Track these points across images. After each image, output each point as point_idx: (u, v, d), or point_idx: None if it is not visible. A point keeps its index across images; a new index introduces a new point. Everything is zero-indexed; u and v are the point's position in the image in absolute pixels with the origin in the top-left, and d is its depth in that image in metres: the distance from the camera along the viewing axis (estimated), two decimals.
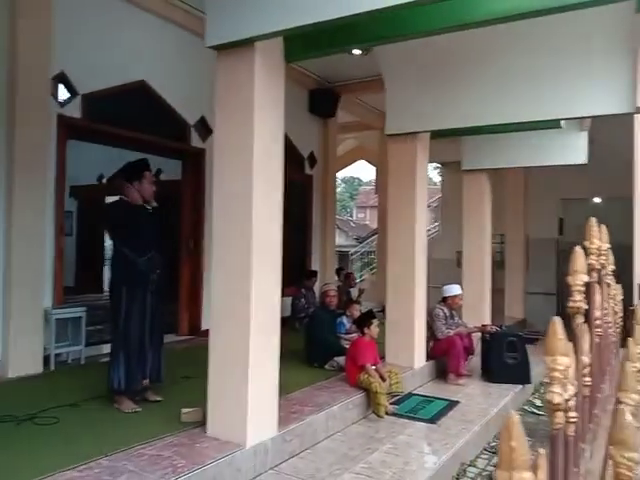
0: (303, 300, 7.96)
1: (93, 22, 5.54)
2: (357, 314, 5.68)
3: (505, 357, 5.81)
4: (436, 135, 5.74)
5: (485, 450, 4.40)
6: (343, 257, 16.65)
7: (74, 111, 5.40)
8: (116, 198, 4.09)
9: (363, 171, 57.65)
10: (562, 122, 5.78)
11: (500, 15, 3.12)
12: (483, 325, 6.37)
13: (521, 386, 5.69)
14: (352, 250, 17.91)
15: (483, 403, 5.13)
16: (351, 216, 41.70)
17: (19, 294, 4.79)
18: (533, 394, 5.95)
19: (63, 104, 5.29)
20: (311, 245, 9.43)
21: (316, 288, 8.50)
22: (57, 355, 5.20)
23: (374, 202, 37.66)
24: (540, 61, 4.74)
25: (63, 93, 5.29)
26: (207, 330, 6.77)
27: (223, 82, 3.41)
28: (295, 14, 2.84)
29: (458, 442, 4.04)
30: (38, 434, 3.38)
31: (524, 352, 5.81)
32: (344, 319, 6.02)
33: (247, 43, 3.14)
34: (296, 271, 8.13)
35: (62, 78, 5.26)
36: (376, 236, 16.97)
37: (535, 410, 5.40)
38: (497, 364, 5.83)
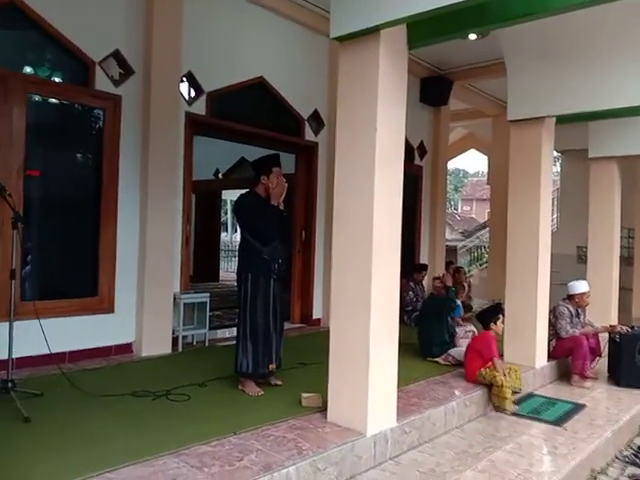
0: (411, 293, 7.86)
1: (217, 23, 5.85)
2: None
3: (637, 360, 5.37)
4: (561, 120, 5.37)
5: (617, 458, 4.11)
6: (450, 251, 16.19)
7: (200, 108, 5.74)
8: (247, 190, 4.26)
9: (468, 162, 55.69)
10: None
11: None
12: (611, 325, 5.90)
13: None
14: (459, 244, 17.37)
15: (613, 408, 4.77)
16: (456, 209, 40.54)
17: (152, 279, 5.18)
18: None
19: (190, 102, 5.65)
20: (420, 238, 9.29)
21: (426, 282, 8.37)
22: (184, 337, 5.57)
23: (481, 194, 36.38)
24: None
25: (191, 92, 5.64)
26: (318, 319, 7.14)
27: (346, 73, 3.42)
28: None
29: (587, 447, 3.79)
30: (173, 409, 3.63)
31: None
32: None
33: (373, 32, 3.13)
34: (404, 264, 8.01)
35: (190, 78, 5.62)
36: (485, 230, 16.36)
37: None
38: (627, 367, 5.40)
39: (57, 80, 4.84)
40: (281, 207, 4.13)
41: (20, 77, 4.53)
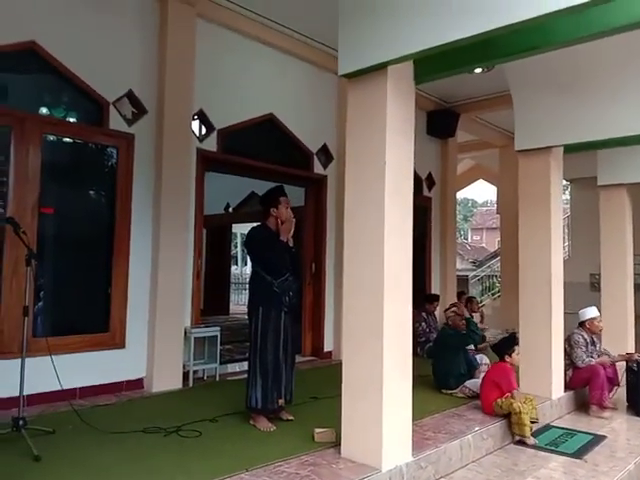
0: (424, 324, 7.79)
1: (228, 62, 6.02)
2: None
3: None
4: (570, 149, 5.40)
5: None
6: (461, 281, 16.09)
7: (211, 145, 5.85)
8: (258, 224, 4.30)
9: (477, 192, 55.83)
10: None
11: None
12: (628, 353, 5.80)
13: None
14: (471, 274, 17.26)
15: (634, 439, 4.64)
16: (466, 239, 40.45)
17: (164, 314, 5.20)
18: None
19: (202, 139, 5.76)
20: (431, 268, 9.26)
21: (438, 312, 8.30)
22: (194, 372, 5.53)
23: (490, 224, 36.37)
24: None
25: (202, 129, 5.77)
26: (330, 351, 7.08)
27: (354, 109, 3.49)
28: (429, 35, 2.86)
29: None
30: (184, 445, 3.59)
31: None
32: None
33: (380, 68, 3.20)
34: (416, 295, 7.97)
35: (201, 115, 5.75)
36: (496, 259, 16.27)
37: None
38: None
39: (72, 120, 4.98)
40: (290, 243, 4.15)
41: (36, 118, 4.67)
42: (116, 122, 5.09)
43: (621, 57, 4.71)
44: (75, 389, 4.67)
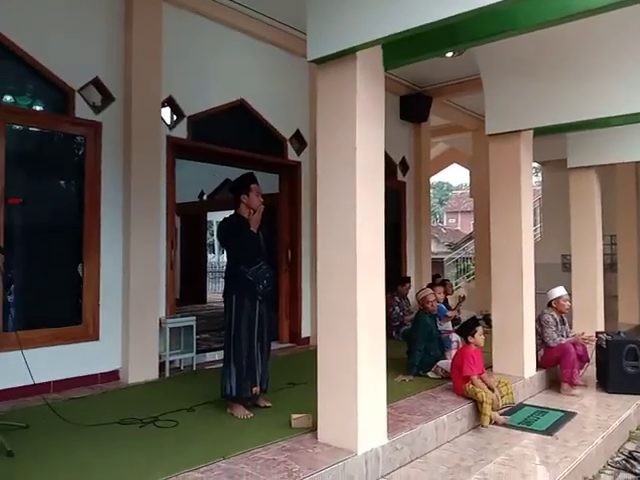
0: (397, 308, 7.83)
1: (196, 48, 5.91)
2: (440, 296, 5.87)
3: (625, 365, 5.41)
4: (539, 133, 5.47)
5: (609, 465, 4.11)
6: (437, 264, 16.29)
7: (181, 132, 5.77)
8: (229, 213, 4.26)
9: (452, 176, 56.28)
10: None
11: (606, 3, 2.92)
12: (574, 335, 5.80)
13: None
14: (446, 257, 17.48)
15: (602, 415, 4.79)
16: (441, 222, 40.84)
17: (137, 305, 5.15)
18: None
19: (172, 126, 5.68)
20: (406, 252, 9.34)
21: (411, 295, 8.39)
22: (171, 362, 5.51)
23: (466, 207, 36.74)
24: None
25: (171, 116, 5.67)
26: (307, 337, 7.12)
27: (324, 95, 3.47)
28: (396, 20, 2.85)
29: (579, 455, 3.79)
30: (160, 436, 3.58)
31: None
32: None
33: (349, 53, 3.18)
34: (390, 279, 8.03)
35: (171, 102, 5.65)
36: (471, 242, 16.49)
37: None
38: (615, 373, 5.43)
39: (37, 109, 4.85)
40: (259, 234, 4.13)
41: (0, 108, 4.53)
42: (83, 110, 4.97)
43: (587, 41, 4.76)
44: (49, 383, 4.60)
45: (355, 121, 3.26)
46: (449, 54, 6.88)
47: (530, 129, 5.37)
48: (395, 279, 8.32)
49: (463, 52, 6.62)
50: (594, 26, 4.47)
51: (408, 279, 8.52)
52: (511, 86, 5.22)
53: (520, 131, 5.30)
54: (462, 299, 7.84)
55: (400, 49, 3.43)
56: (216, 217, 16.27)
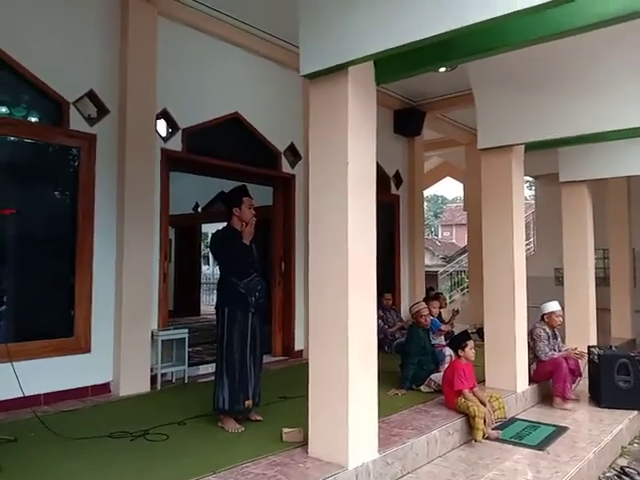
0: (380, 321, 7.65)
1: (191, 61, 5.96)
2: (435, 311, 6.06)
3: (617, 380, 5.42)
4: (531, 147, 5.53)
5: None
6: (431, 277, 16.31)
7: (176, 145, 5.79)
8: (223, 225, 4.27)
9: (447, 189, 56.56)
10: None
11: (599, 20, 2.98)
12: (566, 349, 5.83)
13: (636, 412, 5.25)
14: (440, 270, 17.51)
15: (594, 429, 4.78)
16: (436, 235, 40.97)
17: (129, 317, 5.13)
18: None
19: (166, 139, 5.70)
20: (400, 265, 9.35)
21: (404, 309, 8.39)
22: (163, 375, 5.47)
23: (460, 220, 36.87)
24: None
25: (166, 129, 5.70)
26: (300, 351, 7.09)
27: (316, 110, 3.50)
28: (388, 36, 2.88)
29: (570, 470, 3.78)
30: (151, 449, 3.56)
31: (638, 375, 5.37)
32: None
33: (341, 69, 3.22)
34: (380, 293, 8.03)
35: (165, 115, 5.68)
36: (465, 255, 16.54)
37: None
38: (607, 388, 5.44)
39: (31, 120, 4.86)
40: (252, 246, 4.14)
41: None
42: (77, 122, 4.99)
43: (578, 56, 4.82)
44: (39, 395, 4.57)
45: (347, 136, 3.29)
46: (442, 69, 6.97)
47: (521, 144, 5.43)
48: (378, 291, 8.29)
49: (456, 67, 6.70)
50: (586, 40, 4.50)
51: (389, 290, 8.46)
52: (502, 101, 5.28)
53: (511, 146, 5.35)
54: (456, 313, 7.83)
55: (392, 64, 3.47)
56: (211, 229, 16.29)
